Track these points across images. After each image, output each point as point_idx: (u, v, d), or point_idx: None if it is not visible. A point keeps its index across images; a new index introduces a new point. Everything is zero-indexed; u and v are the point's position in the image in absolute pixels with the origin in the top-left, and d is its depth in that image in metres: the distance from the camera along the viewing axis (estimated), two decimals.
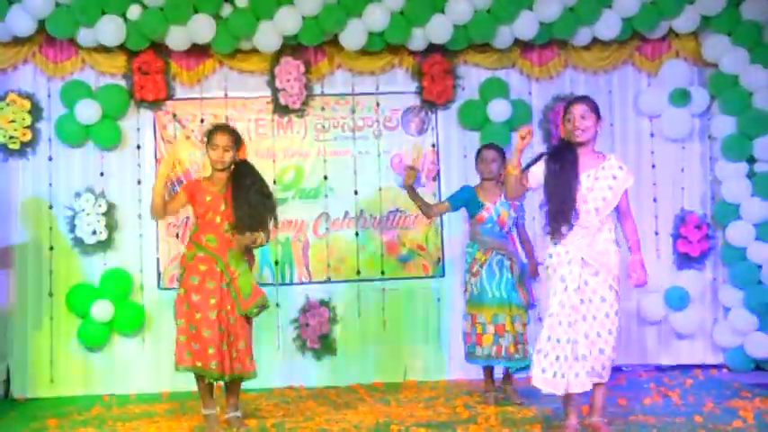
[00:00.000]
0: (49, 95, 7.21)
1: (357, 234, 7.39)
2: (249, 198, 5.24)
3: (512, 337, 5.98)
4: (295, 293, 7.32)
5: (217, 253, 5.32)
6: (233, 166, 5.41)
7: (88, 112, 7.04)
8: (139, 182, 7.19)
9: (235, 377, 5.43)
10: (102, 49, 7.10)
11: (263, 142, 7.32)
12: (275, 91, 7.27)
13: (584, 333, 4.79)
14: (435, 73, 7.33)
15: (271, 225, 5.40)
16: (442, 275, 7.43)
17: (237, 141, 5.39)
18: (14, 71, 7.18)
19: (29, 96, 7.12)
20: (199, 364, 5.30)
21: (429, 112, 7.45)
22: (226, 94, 7.32)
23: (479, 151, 6.23)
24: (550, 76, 7.56)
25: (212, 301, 5.31)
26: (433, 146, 7.48)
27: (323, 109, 7.41)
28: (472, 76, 7.48)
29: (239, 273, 5.33)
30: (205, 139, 5.41)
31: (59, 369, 7.10)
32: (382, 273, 7.38)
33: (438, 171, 7.45)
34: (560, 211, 4.79)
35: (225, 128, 5.46)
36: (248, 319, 5.48)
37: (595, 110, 4.89)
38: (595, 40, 7.40)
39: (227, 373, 5.34)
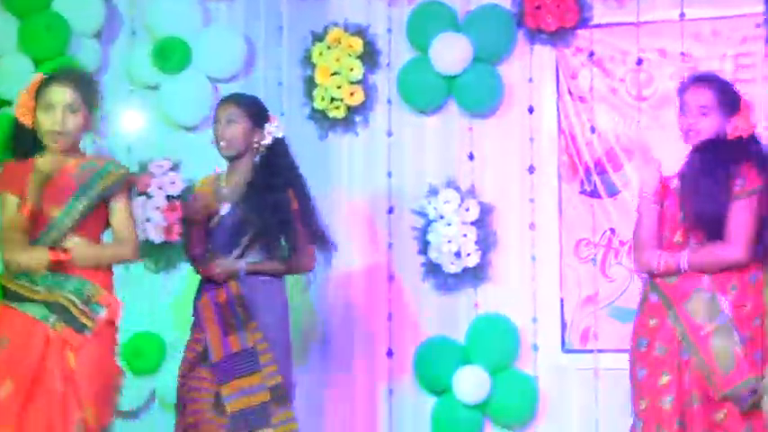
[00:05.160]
0: (389, 29, 5.51)
1: None
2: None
3: None
4: None
5: (668, 294, 4.20)
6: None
7: (450, 52, 5.29)
8: (531, 169, 5.37)
9: None
10: None
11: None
12: None
13: None
14: None
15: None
16: None
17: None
18: None
19: (360, 32, 5.48)
20: None
21: None
22: (682, 14, 5.22)
23: None
24: None
25: (664, 380, 4.23)
26: None
27: None
28: None
29: (712, 328, 4.13)
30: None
31: None
32: None
33: None
34: None
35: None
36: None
37: None
38: None
39: None
